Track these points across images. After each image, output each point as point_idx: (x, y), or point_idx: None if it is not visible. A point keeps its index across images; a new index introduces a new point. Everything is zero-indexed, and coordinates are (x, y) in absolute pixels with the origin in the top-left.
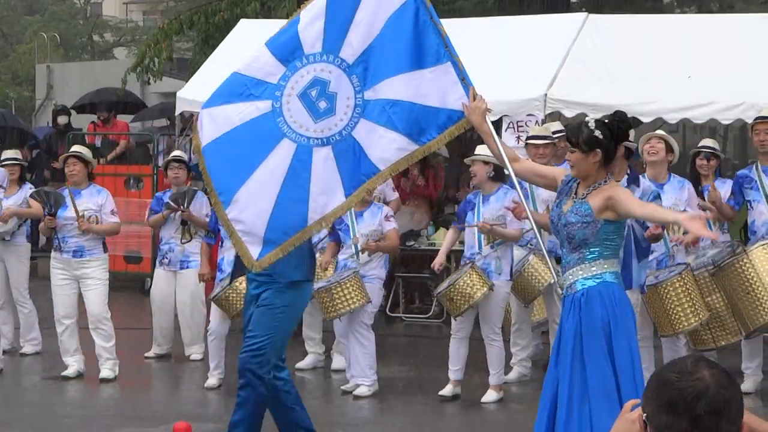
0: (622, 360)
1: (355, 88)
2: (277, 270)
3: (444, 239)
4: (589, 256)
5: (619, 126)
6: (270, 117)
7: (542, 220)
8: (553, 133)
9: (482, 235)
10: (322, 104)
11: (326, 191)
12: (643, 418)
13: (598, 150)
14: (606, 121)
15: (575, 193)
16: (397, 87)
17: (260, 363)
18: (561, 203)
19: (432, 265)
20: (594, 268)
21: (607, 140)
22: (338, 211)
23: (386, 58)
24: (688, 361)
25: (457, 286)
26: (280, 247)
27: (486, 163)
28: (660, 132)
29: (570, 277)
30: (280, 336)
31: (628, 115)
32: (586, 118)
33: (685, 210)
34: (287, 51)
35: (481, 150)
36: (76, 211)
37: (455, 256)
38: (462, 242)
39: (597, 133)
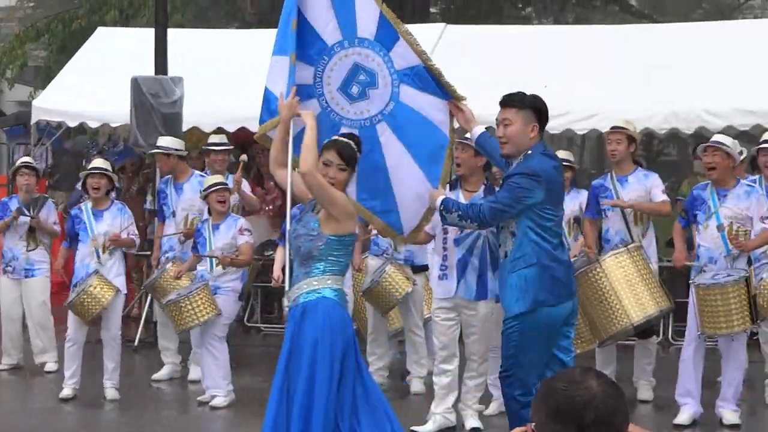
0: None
1: (384, 58)
2: (504, 305)
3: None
4: (314, 271)
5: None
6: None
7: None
8: None
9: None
10: (362, 84)
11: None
12: (532, 427)
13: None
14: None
15: (314, 208)
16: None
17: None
18: (300, 218)
19: (275, 277)
20: (315, 283)
21: None
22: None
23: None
24: (575, 370)
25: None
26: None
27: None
28: (620, 123)
29: (296, 290)
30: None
31: (486, 125)
32: None
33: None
34: (314, 50)
35: None
36: None
37: None
38: None
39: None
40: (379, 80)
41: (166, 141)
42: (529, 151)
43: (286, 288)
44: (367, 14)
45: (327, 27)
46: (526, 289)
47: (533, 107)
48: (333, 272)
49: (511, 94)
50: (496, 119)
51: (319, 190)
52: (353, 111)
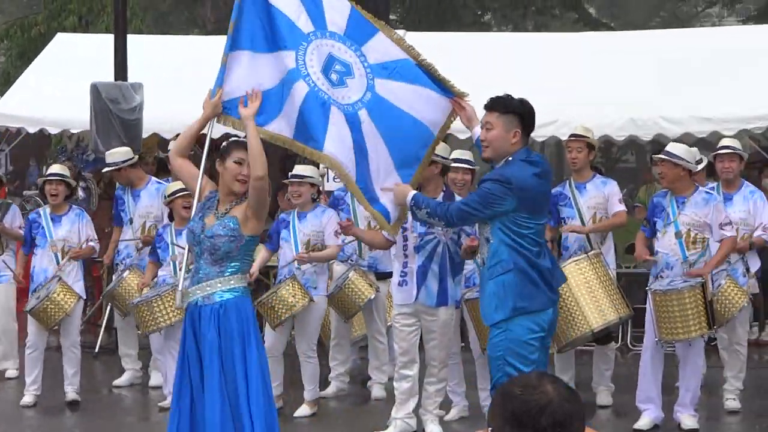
0: (253, 367)
1: (355, 52)
2: (482, 314)
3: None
4: (228, 270)
5: None
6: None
7: (367, 237)
8: None
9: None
10: (339, 73)
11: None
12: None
13: None
14: None
15: (217, 208)
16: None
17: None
18: (203, 216)
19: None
20: (233, 282)
21: None
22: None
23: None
24: (532, 375)
25: (279, 294)
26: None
27: (312, 185)
28: (579, 131)
29: (208, 288)
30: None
31: (452, 132)
32: None
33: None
34: (290, 37)
35: (305, 171)
36: None
37: (272, 272)
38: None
39: None
40: (354, 70)
41: (113, 156)
42: (510, 158)
43: (180, 287)
44: (336, 11)
45: (299, 18)
46: (504, 297)
47: (517, 112)
48: (244, 271)
49: (496, 98)
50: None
51: (264, 193)
52: (336, 95)
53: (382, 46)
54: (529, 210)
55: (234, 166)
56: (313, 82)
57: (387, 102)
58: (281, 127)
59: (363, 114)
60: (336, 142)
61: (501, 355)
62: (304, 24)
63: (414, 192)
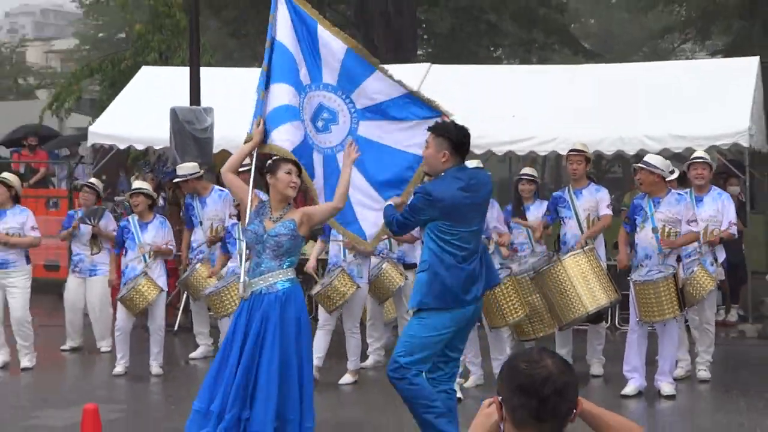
0: (304, 346)
1: (344, 100)
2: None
3: (313, 249)
4: (286, 264)
5: None
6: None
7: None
8: None
9: (345, 247)
10: (325, 120)
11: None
12: (499, 400)
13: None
14: None
15: (271, 214)
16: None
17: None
18: (261, 221)
19: (305, 268)
20: (289, 273)
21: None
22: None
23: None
24: (533, 351)
25: (333, 285)
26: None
27: None
28: (579, 146)
29: (270, 278)
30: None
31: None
32: None
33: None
34: (298, 84)
35: None
36: None
37: (321, 264)
38: (328, 252)
39: None
40: (339, 117)
41: (182, 170)
42: (443, 174)
43: (243, 279)
44: (332, 61)
45: (301, 70)
46: (417, 291)
47: (446, 136)
48: (294, 265)
49: (438, 123)
50: None
51: (330, 217)
52: (319, 140)
53: (376, 86)
54: (452, 219)
55: (285, 175)
56: (305, 128)
57: (366, 140)
58: (284, 141)
59: (340, 156)
60: (316, 179)
61: (406, 338)
62: (304, 77)
63: (388, 203)
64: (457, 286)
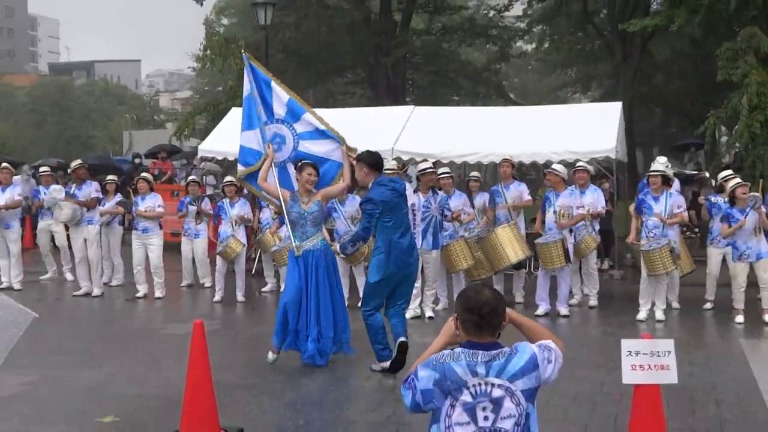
0: (338, 284)
1: (289, 128)
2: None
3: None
4: (319, 230)
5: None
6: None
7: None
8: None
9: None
10: (278, 143)
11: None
12: (455, 317)
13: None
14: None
15: (302, 199)
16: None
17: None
18: (299, 205)
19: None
20: (321, 236)
21: None
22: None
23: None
24: (478, 286)
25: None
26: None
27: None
28: (507, 157)
29: (315, 239)
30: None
31: (440, 159)
32: None
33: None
34: (268, 113)
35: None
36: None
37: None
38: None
39: None
40: (287, 141)
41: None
42: (371, 185)
43: (294, 243)
44: (279, 104)
45: (259, 109)
46: (378, 266)
47: (365, 161)
48: (322, 229)
49: (358, 155)
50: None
51: (341, 194)
52: (276, 157)
53: (308, 119)
54: (389, 210)
55: (307, 176)
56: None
57: (306, 154)
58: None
59: (290, 167)
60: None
61: (367, 289)
62: (262, 114)
63: (339, 245)
64: (396, 256)
